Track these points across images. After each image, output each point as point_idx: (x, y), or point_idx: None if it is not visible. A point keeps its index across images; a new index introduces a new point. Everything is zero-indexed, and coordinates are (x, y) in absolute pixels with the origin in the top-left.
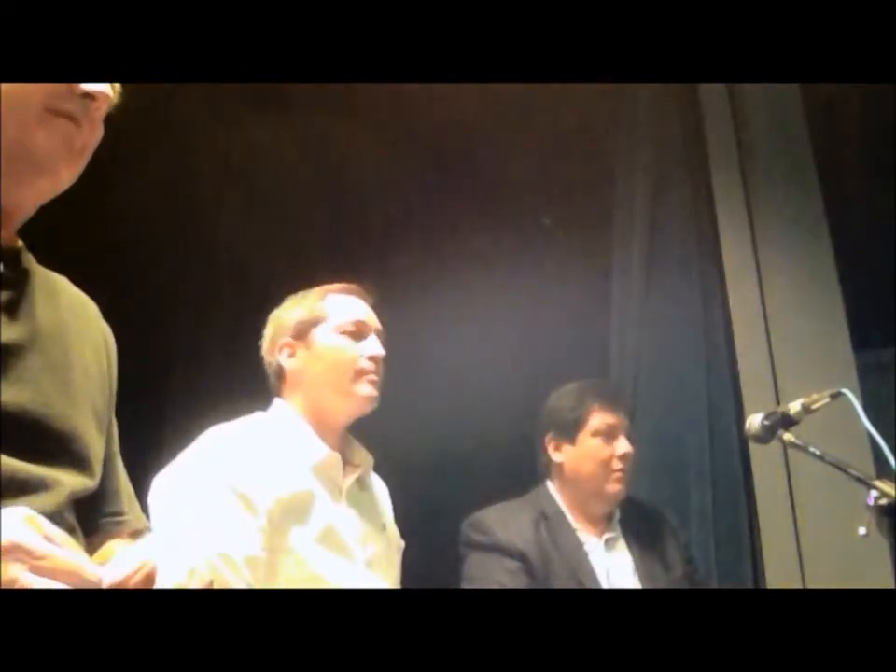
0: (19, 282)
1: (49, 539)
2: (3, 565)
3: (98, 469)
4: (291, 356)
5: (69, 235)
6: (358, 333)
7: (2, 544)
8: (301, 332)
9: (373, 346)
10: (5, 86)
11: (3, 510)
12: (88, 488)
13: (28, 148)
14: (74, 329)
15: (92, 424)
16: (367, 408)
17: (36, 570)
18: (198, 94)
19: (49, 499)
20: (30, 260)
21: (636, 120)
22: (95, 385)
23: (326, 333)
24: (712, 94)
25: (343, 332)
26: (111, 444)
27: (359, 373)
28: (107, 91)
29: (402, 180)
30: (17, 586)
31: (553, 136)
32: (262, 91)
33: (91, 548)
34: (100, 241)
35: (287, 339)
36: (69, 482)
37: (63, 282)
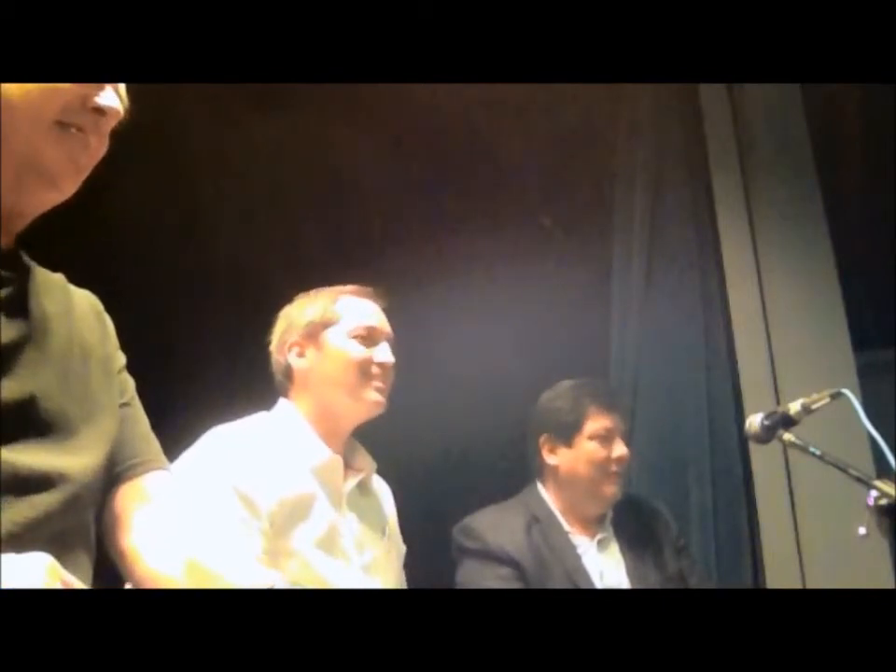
0: (17, 280)
1: (67, 586)
2: None
3: (104, 451)
4: (301, 355)
5: (69, 236)
6: (370, 339)
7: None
8: (313, 333)
9: (384, 353)
10: (18, 95)
11: (26, 556)
12: (96, 472)
13: (36, 160)
14: (71, 320)
15: (96, 410)
16: (373, 413)
17: None
18: (198, 94)
19: (55, 496)
20: (27, 260)
21: (636, 120)
22: (98, 371)
23: (337, 336)
24: (712, 94)
25: (355, 336)
26: (123, 398)
27: (368, 378)
28: (118, 107)
29: (403, 180)
30: None
31: (554, 136)
32: (262, 90)
33: (112, 499)
34: (99, 241)
35: (297, 338)
36: (75, 475)
37: (59, 279)
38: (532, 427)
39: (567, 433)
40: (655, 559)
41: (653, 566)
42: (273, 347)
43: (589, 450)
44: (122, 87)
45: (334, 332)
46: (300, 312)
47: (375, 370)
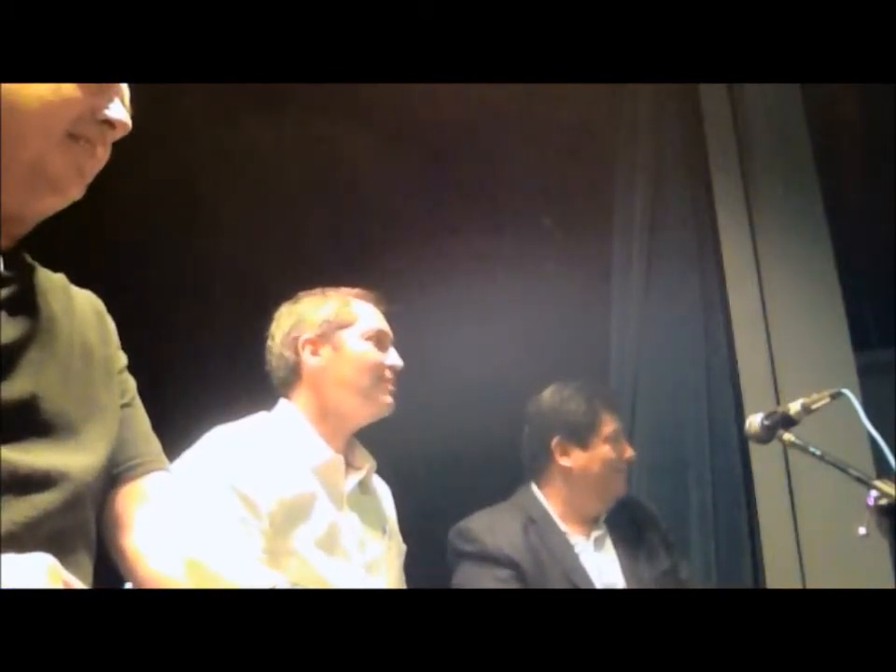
0: (19, 280)
1: (68, 587)
2: None
3: (105, 451)
4: (315, 353)
5: (69, 236)
6: (381, 342)
7: None
8: (328, 332)
9: (395, 357)
10: (33, 105)
11: (27, 557)
12: (97, 472)
13: (44, 168)
14: (72, 320)
15: (97, 410)
16: (383, 414)
17: None
18: (198, 94)
19: (56, 496)
20: (29, 260)
21: (635, 120)
22: (99, 371)
23: (353, 337)
24: (712, 94)
25: (369, 339)
26: (124, 398)
27: (382, 381)
28: (127, 120)
29: (402, 180)
30: None
31: (553, 136)
32: (262, 90)
33: (112, 500)
34: (99, 242)
35: (312, 336)
36: (76, 474)
37: (60, 279)
38: (539, 430)
39: (582, 435)
40: (649, 555)
41: (647, 561)
42: (276, 342)
43: (604, 451)
44: (127, 98)
45: (350, 334)
46: (312, 309)
47: (388, 373)
